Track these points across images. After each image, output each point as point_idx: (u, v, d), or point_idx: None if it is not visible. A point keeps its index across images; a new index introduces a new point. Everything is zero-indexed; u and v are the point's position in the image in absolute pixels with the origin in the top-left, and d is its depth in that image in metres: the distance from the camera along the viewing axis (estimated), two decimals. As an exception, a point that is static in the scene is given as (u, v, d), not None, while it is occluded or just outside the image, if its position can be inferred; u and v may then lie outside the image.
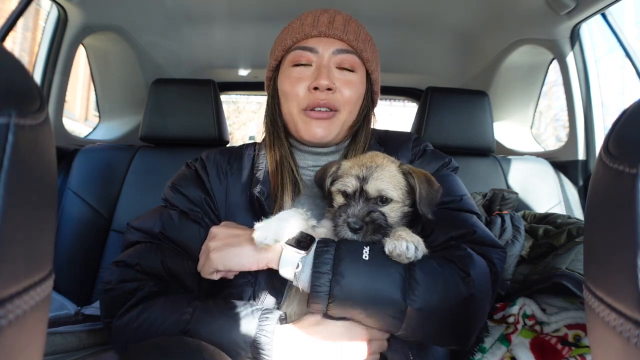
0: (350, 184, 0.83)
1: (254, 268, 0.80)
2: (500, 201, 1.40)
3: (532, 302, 0.97)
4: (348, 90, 0.98)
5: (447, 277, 0.74)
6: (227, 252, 0.80)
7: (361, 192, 0.82)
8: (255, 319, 0.74)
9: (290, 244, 0.77)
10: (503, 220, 1.25)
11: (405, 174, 0.85)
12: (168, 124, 1.73)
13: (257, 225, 0.78)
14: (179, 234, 0.92)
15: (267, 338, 0.73)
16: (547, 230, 1.22)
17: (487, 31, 2.06)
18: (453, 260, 0.77)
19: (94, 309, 1.23)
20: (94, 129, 2.34)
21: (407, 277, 0.73)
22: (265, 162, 1.02)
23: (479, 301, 0.75)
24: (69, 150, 1.75)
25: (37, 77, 1.76)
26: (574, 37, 1.79)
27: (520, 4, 1.79)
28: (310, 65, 0.98)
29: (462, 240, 0.84)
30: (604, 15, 1.60)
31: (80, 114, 8.49)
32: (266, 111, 1.08)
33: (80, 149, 1.73)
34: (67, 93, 1.89)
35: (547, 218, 1.34)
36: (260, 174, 0.99)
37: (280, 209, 0.92)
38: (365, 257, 0.74)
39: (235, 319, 0.75)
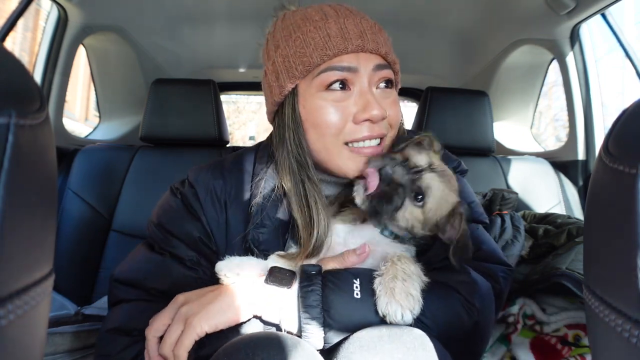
0: (419, 157, 0.73)
1: (242, 319, 0.68)
2: (500, 201, 1.40)
3: (532, 302, 0.97)
4: (393, 111, 0.82)
5: (450, 308, 0.69)
6: (207, 310, 0.67)
7: (418, 172, 0.71)
8: None
9: (268, 282, 0.69)
10: (503, 220, 1.25)
11: (455, 214, 0.72)
12: (168, 124, 1.73)
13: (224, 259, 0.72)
14: (173, 286, 0.78)
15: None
16: (547, 230, 1.22)
17: (487, 31, 2.06)
18: (455, 287, 0.71)
19: (94, 309, 1.23)
20: (94, 129, 2.34)
21: None
22: (266, 188, 0.84)
23: (483, 328, 0.72)
24: (69, 150, 1.75)
25: (37, 77, 1.76)
26: (574, 37, 1.79)
27: (520, 4, 1.79)
28: (349, 89, 0.79)
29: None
30: (604, 15, 1.60)
31: (80, 114, 8.49)
32: (282, 147, 0.83)
33: (80, 149, 1.73)
34: (67, 93, 1.89)
35: (547, 218, 1.34)
36: (258, 208, 0.82)
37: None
38: (357, 295, 0.66)
39: None
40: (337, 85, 0.78)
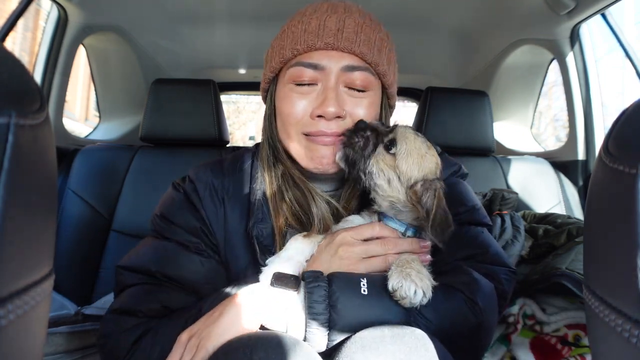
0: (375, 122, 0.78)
1: (249, 327, 0.67)
2: (500, 201, 1.40)
3: (532, 302, 0.97)
4: (363, 113, 0.82)
5: (454, 308, 0.69)
6: (213, 330, 0.66)
7: (394, 129, 0.75)
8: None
9: (274, 286, 0.69)
10: (503, 220, 1.25)
11: (427, 188, 0.71)
12: (168, 124, 1.73)
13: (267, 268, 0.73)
14: (178, 269, 0.80)
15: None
16: (547, 230, 1.22)
17: (487, 31, 2.06)
18: (459, 288, 0.71)
19: (94, 309, 1.23)
20: (94, 129, 2.34)
21: (410, 310, 0.67)
22: (264, 184, 0.87)
23: (486, 328, 0.71)
24: (69, 150, 1.75)
25: (37, 77, 1.76)
26: (574, 37, 1.79)
27: (520, 4, 1.79)
28: (315, 84, 0.81)
29: (473, 260, 0.78)
30: (604, 16, 1.60)
31: (80, 114, 8.49)
32: (263, 130, 0.92)
33: (80, 149, 1.73)
34: (67, 93, 1.89)
35: (547, 218, 1.34)
36: (259, 203, 0.85)
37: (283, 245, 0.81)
38: (364, 291, 0.66)
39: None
40: (304, 81, 0.81)
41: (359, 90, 0.82)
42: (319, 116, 0.79)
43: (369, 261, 0.74)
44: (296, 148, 0.84)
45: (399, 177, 0.73)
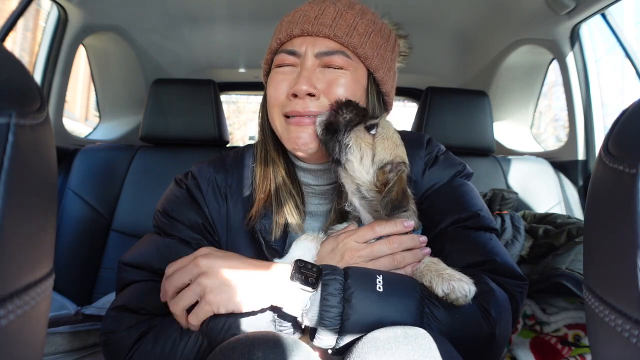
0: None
1: (257, 308, 0.67)
2: (500, 201, 1.40)
3: (532, 302, 0.98)
4: (336, 91, 0.82)
5: (468, 315, 0.67)
6: (228, 293, 0.66)
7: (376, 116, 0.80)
8: None
9: (296, 280, 0.67)
10: (503, 220, 1.25)
11: (393, 169, 0.74)
12: (168, 124, 1.73)
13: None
14: None
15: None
16: (547, 230, 1.22)
17: (487, 31, 2.06)
18: (475, 295, 0.69)
19: (94, 309, 1.23)
20: (94, 129, 2.34)
21: (423, 311, 0.66)
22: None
23: (499, 341, 0.69)
24: (69, 150, 1.75)
25: (37, 77, 1.76)
26: (574, 37, 1.79)
27: (520, 4, 1.79)
28: (296, 67, 0.84)
29: (482, 268, 0.77)
30: (603, 15, 1.60)
31: (81, 114, 8.49)
32: (259, 119, 0.94)
33: (80, 149, 1.73)
34: (67, 93, 1.89)
35: (547, 218, 1.34)
36: (261, 199, 0.86)
37: (280, 232, 0.83)
38: (379, 288, 0.65)
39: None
40: (285, 64, 0.84)
41: (336, 68, 0.83)
42: (294, 95, 0.81)
43: (376, 262, 0.74)
44: (278, 130, 0.86)
45: (373, 157, 0.76)
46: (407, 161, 0.78)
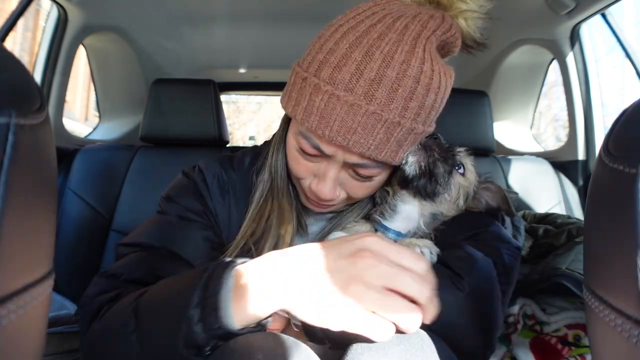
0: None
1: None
2: (500, 201, 1.40)
3: (532, 302, 0.98)
4: (360, 193, 0.77)
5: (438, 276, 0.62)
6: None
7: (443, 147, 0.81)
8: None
9: None
10: (503, 220, 1.25)
11: (485, 182, 0.86)
12: (168, 124, 1.73)
13: None
14: (179, 242, 0.78)
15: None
16: (547, 230, 1.22)
17: (487, 31, 2.06)
18: (448, 264, 0.69)
19: (94, 309, 1.22)
20: (94, 129, 2.34)
21: None
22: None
23: (485, 305, 0.69)
24: (69, 150, 1.75)
25: (37, 77, 1.76)
26: (574, 37, 1.79)
27: (520, 4, 1.79)
28: (320, 156, 0.74)
29: (472, 239, 0.76)
30: (604, 15, 1.60)
31: (80, 114, 8.49)
32: (270, 143, 0.87)
33: (80, 149, 1.73)
34: (67, 93, 1.89)
35: (547, 218, 1.34)
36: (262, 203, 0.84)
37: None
38: None
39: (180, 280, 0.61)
40: (309, 153, 0.73)
41: (365, 181, 0.75)
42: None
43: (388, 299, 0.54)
44: (297, 185, 0.83)
45: (466, 195, 0.82)
46: (487, 176, 0.86)
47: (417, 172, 0.74)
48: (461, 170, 0.80)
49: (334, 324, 0.51)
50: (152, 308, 0.60)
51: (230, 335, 0.55)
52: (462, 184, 0.79)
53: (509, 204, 0.80)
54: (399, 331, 0.55)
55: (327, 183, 0.73)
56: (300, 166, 0.77)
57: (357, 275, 0.50)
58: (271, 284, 0.54)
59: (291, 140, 0.77)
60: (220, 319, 0.53)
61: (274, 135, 0.91)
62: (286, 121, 0.82)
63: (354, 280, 0.50)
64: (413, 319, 0.50)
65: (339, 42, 0.68)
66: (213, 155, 0.96)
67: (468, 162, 0.82)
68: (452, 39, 0.76)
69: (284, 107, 0.76)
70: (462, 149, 0.84)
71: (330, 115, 0.66)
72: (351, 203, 0.84)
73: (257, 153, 0.94)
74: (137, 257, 0.76)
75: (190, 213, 0.82)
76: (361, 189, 0.77)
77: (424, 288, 0.51)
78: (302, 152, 0.74)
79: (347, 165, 0.73)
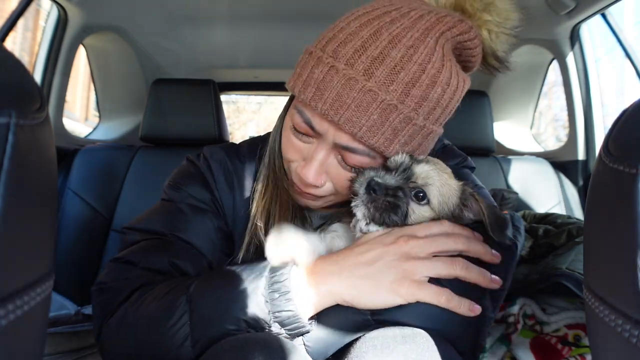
0: (397, 157, 0.68)
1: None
2: (500, 201, 1.40)
3: (532, 302, 0.97)
4: (347, 185, 0.72)
5: None
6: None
7: (405, 170, 0.66)
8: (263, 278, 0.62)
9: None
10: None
11: (465, 197, 0.69)
12: (168, 124, 1.73)
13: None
14: (191, 231, 0.77)
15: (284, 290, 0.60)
16: (547, 230, 1.22)
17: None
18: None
19: (94, 309, 1.22)
20: (94, 129, 2.34)
21: None
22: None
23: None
24: (69, 150, 1.75)
25: (37, 77, 1.76)
26: (574, 37, 1.79)
27: (520, 4, 1.79)
28: (310, 138, 0.73)
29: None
30: (604, 16, 1.60)
31: (81, 114, 8.49)
32: (272, 133, 0.85)
33: (80, 149, 1.74)
34: (67, 93, 1.90)
35: (547, 218, 1.34)
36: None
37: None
38: None
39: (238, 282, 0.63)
40: (300, 130, 0.72)
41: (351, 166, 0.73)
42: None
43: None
44: (289, 173, 0.81)
45: (436, 215, 0.69)
46: (471, 190, 0.70)
47: (370, 221, 0.69)
48: (424, 201, 0.67)
49: (399, 299, 0.61)
50: (208, 298, 0.63)
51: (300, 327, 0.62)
52: (425, 215, 0.68)
53: (496, 216, 0.66)
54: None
55: (313, 165, 0.72)
56: (291, 146, 0.75)
57: (406, 253, 0.62)
58: (332, 278, 0.62)
59: (287, 121, 0.76)
60: (289, 302, 0.60)
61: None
62: (288, 106, 0.82)
63: (404, 258, 0.62)
64: (469, 267, 0.63)
65: (351, 22, 0.68)
66: None
67: (433, 179, 0.67)
68: (470, 44, 0.75)
69: (287, 84, 0.75)
70: (422, 172, 0.67)
71: (327, 87, 0.65)
72: (339, 203, 0.81)
73: (262, 139, 0.92)
74: (150, 244, 0.75)
75: (200, 202, 0.81)
76: (347, 181, 0.72)
77: (457, 242, 0.64)
78: (295, 130, 0.73)
79: (336, 149, 0.71)
